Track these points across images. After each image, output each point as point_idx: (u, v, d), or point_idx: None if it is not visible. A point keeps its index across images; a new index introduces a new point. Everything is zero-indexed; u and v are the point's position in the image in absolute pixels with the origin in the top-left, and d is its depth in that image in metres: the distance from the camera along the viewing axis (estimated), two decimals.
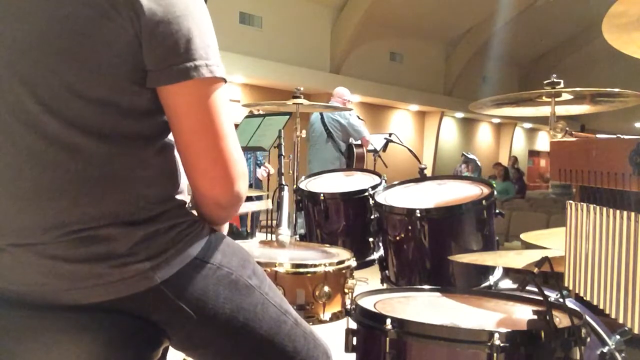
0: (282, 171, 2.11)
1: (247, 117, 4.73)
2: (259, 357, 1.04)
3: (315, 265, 1.56)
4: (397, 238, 1.86)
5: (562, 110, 2.08)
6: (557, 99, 1.97)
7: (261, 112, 4.80)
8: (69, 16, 0.85)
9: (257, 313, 1.01)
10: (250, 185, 5.81)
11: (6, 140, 0.88)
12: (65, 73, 0.85)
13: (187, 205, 1.01)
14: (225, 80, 0.94)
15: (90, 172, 0.88)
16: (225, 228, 1.12)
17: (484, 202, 1.79)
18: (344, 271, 1.60)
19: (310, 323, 1.40)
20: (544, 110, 2.12)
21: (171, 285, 0.91)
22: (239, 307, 0.98)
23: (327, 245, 1.97)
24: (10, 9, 0.87)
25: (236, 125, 4.55)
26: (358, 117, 5.47)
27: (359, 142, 5.39)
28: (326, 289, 1.53)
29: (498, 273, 1.84)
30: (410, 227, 1.80)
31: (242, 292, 0.99)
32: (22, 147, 0.87)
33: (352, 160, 5.37)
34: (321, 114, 5.32)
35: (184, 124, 0.92)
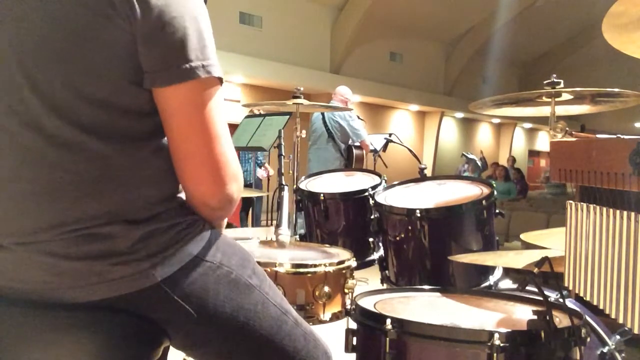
0: (282, 171, 2.11)
1: (247, 117, 4.72)
2: (259, 357, 1.04)
3: (315, 266, 1.56)
4: (397, 238, 1.86)
5: (562, 110, 2.08)
6: (557, 99, 1.97)
7: (261, 112, 4.79)
8: (67, 16, 0.85)
9: (258, 312, 1.01)
10: (250, 185, 5.81)
11: (6, 140, 0.88)
12: (67, 73, 0.85)
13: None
14: (221, 80, 0.94)
15: (90, 172, 0.88)
16: (223, 225, 1.12)
17: (484, 202, 1.79)
18: (344, 271, 1.60)
19: (310, 323, 1.40)
20: (544, 110, 2.11)
21: (171, 284, 0.91)
22: (239, 306, 0.98)
23: (327, 245, 1.97)
24: (12, 9, 0.87)
25: (236, 125, 4.55)
26: (358, 117, 5.45)
27: (358, 143, 5.37)
28: (326, 289, 1.53)
29: (498, 273, 1.84)
30: (410, 227, 1.80)
31: (242, 291, 0.99)
32: (22, 146, 0.87)
33: (351, 161, 5.35)
34: (322, 114, 5.31)
35: (178, 124, 0.91)
